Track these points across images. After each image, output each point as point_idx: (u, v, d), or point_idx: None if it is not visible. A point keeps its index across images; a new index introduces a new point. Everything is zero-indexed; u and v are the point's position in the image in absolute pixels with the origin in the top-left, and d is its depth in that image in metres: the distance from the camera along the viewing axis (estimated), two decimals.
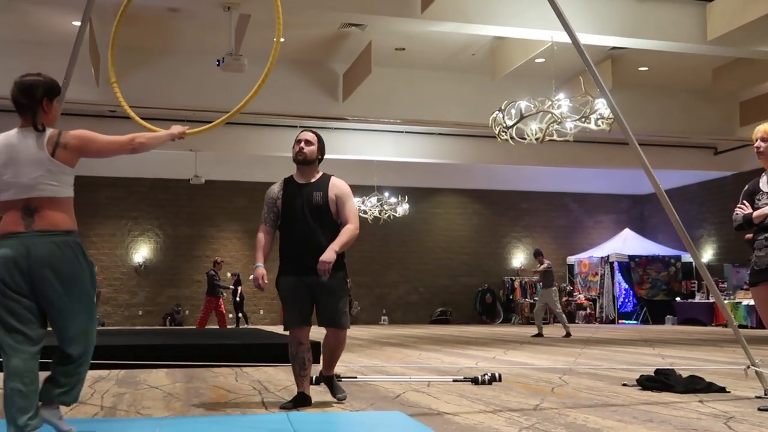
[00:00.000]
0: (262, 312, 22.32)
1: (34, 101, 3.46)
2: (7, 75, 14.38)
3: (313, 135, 4.87)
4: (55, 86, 3.56)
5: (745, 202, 4.77)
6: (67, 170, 3.55)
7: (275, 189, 4.88)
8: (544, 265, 14.60)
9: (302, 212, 4.71)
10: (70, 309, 3.41)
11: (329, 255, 4.53)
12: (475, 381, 6.06)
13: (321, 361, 5.10)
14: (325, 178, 4.84)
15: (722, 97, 16.03)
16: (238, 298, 19.19)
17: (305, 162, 4.82)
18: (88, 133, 3.60)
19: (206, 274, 16.80)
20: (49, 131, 3.49)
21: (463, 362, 8.35)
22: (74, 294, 3.40)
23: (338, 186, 4.81)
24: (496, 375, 6.19)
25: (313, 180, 4.82)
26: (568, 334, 14.01)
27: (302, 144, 4.82)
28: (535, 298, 23.36)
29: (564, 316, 14.86)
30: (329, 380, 5.04)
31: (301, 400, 4.77)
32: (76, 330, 3.47)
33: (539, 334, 14.19)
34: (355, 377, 6.43)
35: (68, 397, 3.62)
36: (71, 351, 3.51)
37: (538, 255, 15.15)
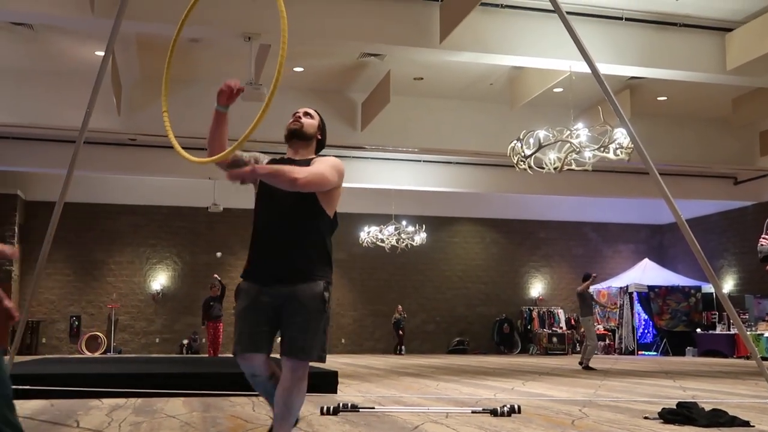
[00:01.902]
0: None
1: None
2: (31, 103, 14.68)
3: (315, 112, 3.86)
4: None
5: None
6: None
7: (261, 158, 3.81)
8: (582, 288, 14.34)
9: (279, 194, 3.54)
10: None
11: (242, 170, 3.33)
12: (494, 412, 5.99)
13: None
14: (317, 158, 3.71)
15: (742, 126, 15.96)
16: None
17: (300, 134, 3.73)
18: None
19: None
20: None
21: (481, 393, 8.26)
22: None
23: (322, 159, 3.67)
24: (516, 406, 6.12)
25: (302, 159, 3.70)
26: (582, 363, 13.77)
27: (300, 113, 3.80)
28: (554, 329, 23.24)
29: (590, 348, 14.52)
30: None
31: None
32: None
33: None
34: (373, 407, 6.37)
35: None
36: None
37: (586, 278, 14.66)
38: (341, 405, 6.06)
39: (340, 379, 8.46)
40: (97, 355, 20.21)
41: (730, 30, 11.36)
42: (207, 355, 17.00)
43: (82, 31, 11.52)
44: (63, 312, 21.05)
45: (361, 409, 6.09)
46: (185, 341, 21.48)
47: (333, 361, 17.50)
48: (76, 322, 20.98)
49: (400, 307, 22.46)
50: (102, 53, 4.25)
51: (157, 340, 21.76)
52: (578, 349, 21.98)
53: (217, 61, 12.90)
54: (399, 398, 7.56)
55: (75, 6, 9.35)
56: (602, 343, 22.57)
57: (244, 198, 24.47)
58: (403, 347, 22.50)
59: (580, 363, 13.84)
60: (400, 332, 22.22)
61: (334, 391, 7.90)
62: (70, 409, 6.34)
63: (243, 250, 22.33)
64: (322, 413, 5.85)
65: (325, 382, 8.01)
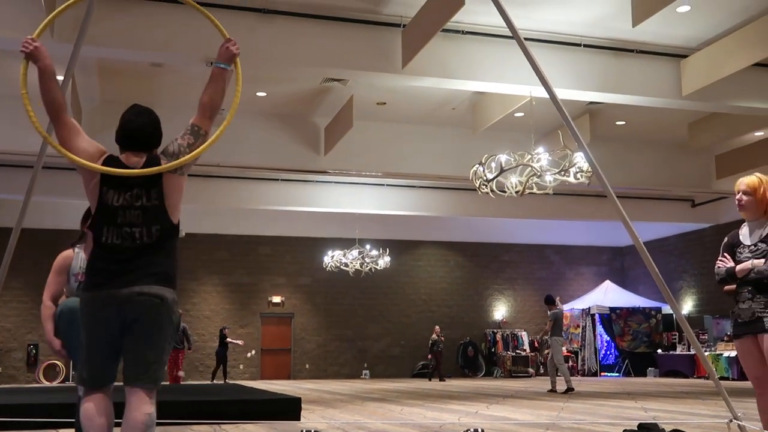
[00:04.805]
0: (242, 367, 22.03)
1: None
2: None
3: None
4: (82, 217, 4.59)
5: (726, 255, 4.78)
6: None
7: None
8: (553, 311, 14.40)
9: None
10: None
11: None
12: None
13: None
14: None
15: (698, 150, 16.28)
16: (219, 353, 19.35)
17: None
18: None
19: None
20: None
21: (445, 417, 8.25)
22: None
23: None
24: (479, 430, 6.12)
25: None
26: (569, 389, 13.68)
27: None
28: (518, 351, 23.33)
29: (566, 368, 14.51)
30: None
31: None
32: None
33: (553, 390, 13.85)
34: None
35: None
36: None
37: (549, 302, 14.68)
38: None
39: (303, 405, 8.40)
40: (55, 384, 19.78)
41: (685, 56, 11.62)
42: (167, 383, 16.77)
43: None
44: (20, 340, 20.59)
45: None
46: None
47: (296, 387, 17.33)
48: (34, 351, 20.53)
49: (437, 328, 21.60)
50: (62, 78, 4.22)
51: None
52: (542, 371, 22.07)
53: (180, 86, 12.84)
54: (363, 424, 7.51)
55: (34, 30, 9.25)
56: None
57: (207, 223, 24.11)
58: (439, 372, 21.13)
59: (553, 390, 13.86)
60: (431, 356, 21.13)
61: (297, 418, 7.83)
62: None
63: (206, 275, 22.22)
64: None
65: (288, 409, 7.95)
